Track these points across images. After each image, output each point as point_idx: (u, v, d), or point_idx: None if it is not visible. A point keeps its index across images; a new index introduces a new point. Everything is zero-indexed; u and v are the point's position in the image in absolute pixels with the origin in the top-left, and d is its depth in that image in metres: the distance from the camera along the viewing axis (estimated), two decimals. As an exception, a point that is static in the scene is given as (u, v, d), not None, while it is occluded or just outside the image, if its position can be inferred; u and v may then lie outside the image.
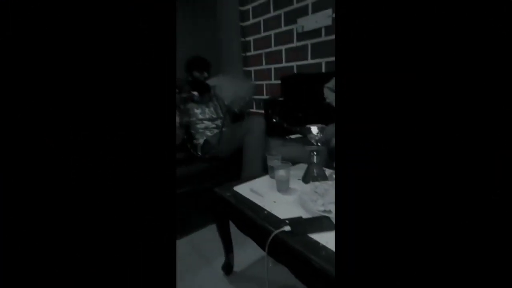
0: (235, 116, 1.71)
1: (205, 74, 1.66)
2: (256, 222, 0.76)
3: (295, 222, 0.69)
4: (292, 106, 1.89)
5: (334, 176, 0.98)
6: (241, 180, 1.03)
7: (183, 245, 1.29)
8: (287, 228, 0.67)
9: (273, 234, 0.66)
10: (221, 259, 1.09)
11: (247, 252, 1.14)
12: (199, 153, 1.54)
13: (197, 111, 1.59)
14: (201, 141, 1.55)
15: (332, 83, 1.54)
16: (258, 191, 0.91)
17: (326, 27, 1.85)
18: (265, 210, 0.80)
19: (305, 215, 0.73)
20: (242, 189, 0.95)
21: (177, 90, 1.59)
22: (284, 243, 0.65)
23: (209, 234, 1.30)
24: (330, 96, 1.51)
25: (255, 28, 2.40)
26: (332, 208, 0.74)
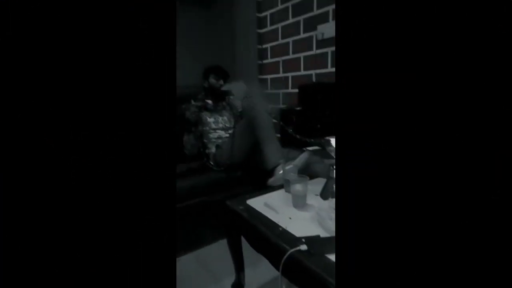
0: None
1: (221, 82, 1.69)
2: (270, 239, 0.74)
3: (312, 241, 0.68)
4: (310, 116, 1.87)
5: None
6: (266, 171, 1.00)
7: (190, 261, 1.28)
8: (303, 247, 0.65)
9: (288, 253, 0.65)
10: (231, 278, 1.07)
11: (259, 271, 1.11)
12: (211, 163, 1.54)
13: (210, 120, 1.61)
14: (213, 150, 1.55)
15: None
16: (273, 206, 0.89)
17: (348, 35, 1.85)
18: (280, 226, 0.78)
19: (323, 234, 0.71)
20: (256, 202, 0.94)
21: (192, 100, 1.62)
22: (299, 263, 0.63)
23: (219, 250, 1.29)
24: None
25: (273, 35, 2.43)
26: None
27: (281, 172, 1.20)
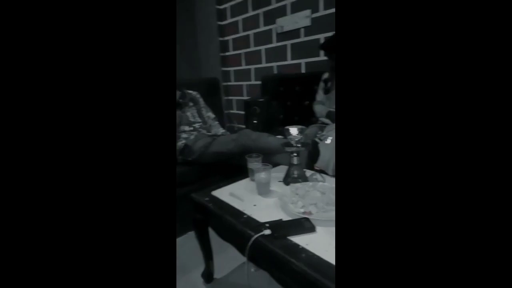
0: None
1: None
2: (236, 227, 0.75)
3: (275, 225, 0.70)
4: (273, 107, 1.90)
5: (314, 177, 0.99)
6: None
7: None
8: (267, 231, 0.67)
9: (253, 239, 0.66)
10: (201, 268, 1.08)
11: (228, 258, 1.13)
12: (179, 157, 1.51)
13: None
14: (180, 144, 1.52)
15: (320, 96, 1.54)
16: (238, 195, 0.90)
17: (306, 28, 1.89)
18: (245, 214, 0.79)
19: (285, 218, 0.74)
20: (221, 193, 0.94)
21: None
22: (264, 247, 0.65)
23: (188, 242, 1.28)
24: (319, 112, 1.51)
25: (234, 27, 2.41)
26: (313, 209, 0.75)
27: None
